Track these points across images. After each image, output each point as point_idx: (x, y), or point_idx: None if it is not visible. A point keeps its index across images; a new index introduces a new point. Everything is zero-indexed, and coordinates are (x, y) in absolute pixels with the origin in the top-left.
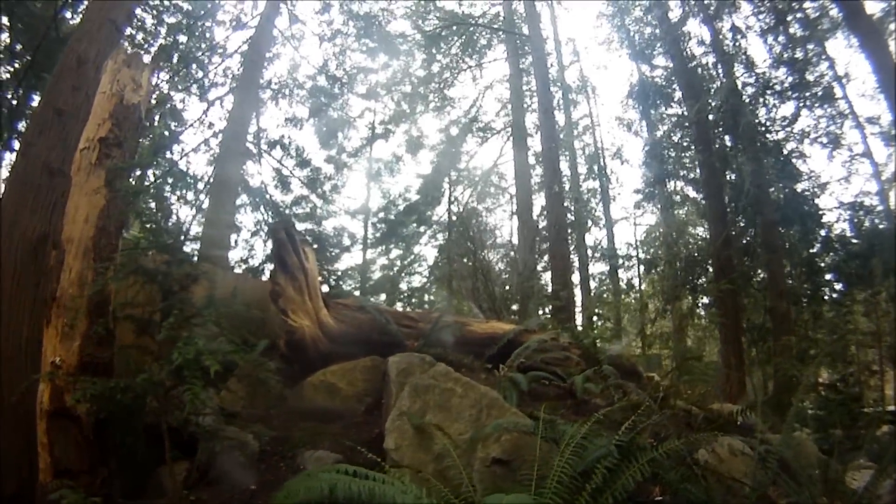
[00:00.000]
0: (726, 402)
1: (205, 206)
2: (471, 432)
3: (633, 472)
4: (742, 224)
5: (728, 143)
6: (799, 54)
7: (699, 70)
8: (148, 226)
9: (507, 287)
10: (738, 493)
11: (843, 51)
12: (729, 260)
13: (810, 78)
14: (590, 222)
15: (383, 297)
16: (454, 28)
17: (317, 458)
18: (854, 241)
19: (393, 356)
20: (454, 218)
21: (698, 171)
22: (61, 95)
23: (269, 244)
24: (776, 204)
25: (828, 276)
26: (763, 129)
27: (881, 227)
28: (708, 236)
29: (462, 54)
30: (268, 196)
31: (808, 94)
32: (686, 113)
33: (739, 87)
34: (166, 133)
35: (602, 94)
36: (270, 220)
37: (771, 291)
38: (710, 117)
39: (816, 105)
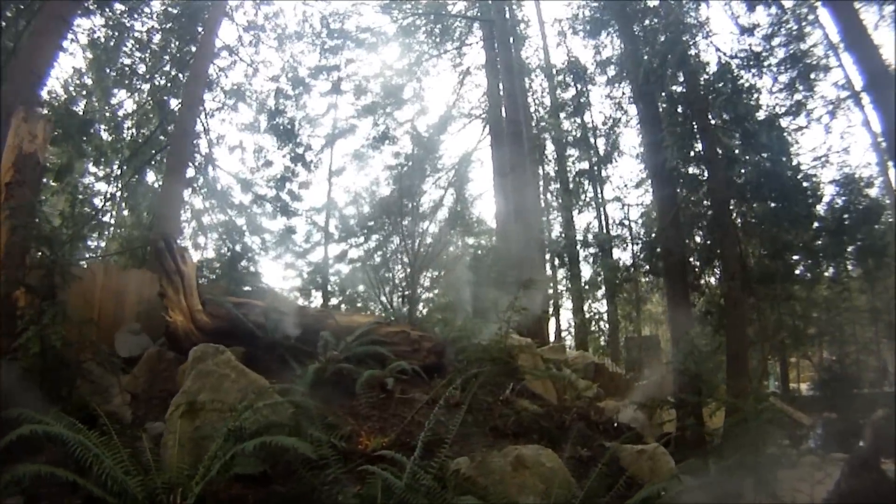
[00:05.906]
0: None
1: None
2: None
3: (239, 460)
4: (692, 200)
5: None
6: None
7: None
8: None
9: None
10: None
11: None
12: (677, 240)
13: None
14: (581, 203)
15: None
16: (431, 17)
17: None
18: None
19: (197, 346)
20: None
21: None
22: None
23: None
24: (731, 178)
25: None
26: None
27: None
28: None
29: (440, 42)
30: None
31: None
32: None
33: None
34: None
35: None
36: (233, 219)
37: (724, 272)
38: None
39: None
